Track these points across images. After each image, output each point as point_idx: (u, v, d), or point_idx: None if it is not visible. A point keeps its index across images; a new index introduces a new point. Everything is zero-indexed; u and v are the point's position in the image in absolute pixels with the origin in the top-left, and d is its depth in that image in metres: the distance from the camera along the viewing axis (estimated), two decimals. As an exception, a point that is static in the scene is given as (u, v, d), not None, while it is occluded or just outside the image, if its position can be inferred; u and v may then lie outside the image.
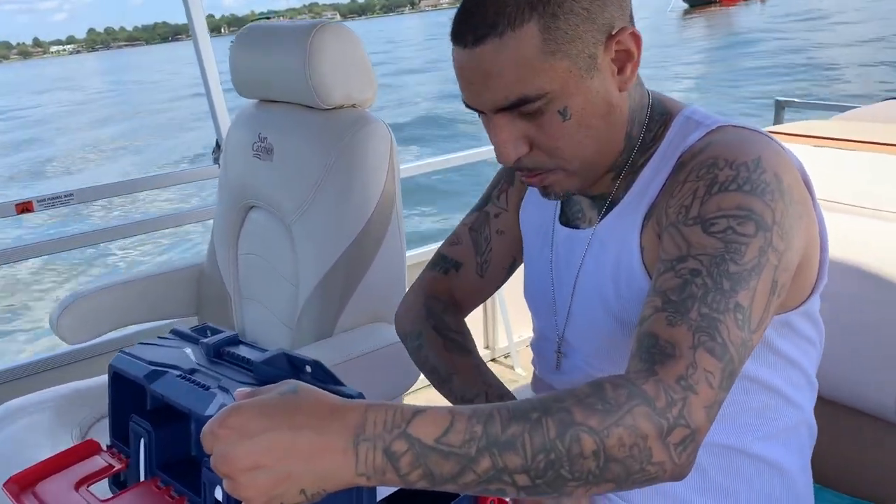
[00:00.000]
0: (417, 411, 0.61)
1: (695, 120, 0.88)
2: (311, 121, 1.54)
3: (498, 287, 1.12)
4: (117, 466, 0.80)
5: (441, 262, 1.12)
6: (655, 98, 0.91)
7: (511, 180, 1.10)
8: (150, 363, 0.78)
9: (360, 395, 0.65)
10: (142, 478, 0.79)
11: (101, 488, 0.78)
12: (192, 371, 0.75)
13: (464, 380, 0.99)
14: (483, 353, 2.83)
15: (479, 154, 2.64)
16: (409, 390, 2.50)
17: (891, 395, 1.12)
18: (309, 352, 1.42)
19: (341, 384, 0.68)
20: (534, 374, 1.07)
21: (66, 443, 1.45)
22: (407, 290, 1.57)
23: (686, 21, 35.02)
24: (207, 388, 0.70)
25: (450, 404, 0.99)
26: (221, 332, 0.81)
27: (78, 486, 0.77)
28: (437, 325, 1.05)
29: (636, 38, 0.81)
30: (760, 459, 0.90)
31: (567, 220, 0.99)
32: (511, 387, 1.02)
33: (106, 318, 1.81)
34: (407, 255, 1.61)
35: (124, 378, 0.80)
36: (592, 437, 0.62)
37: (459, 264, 1.11)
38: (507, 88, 0.78)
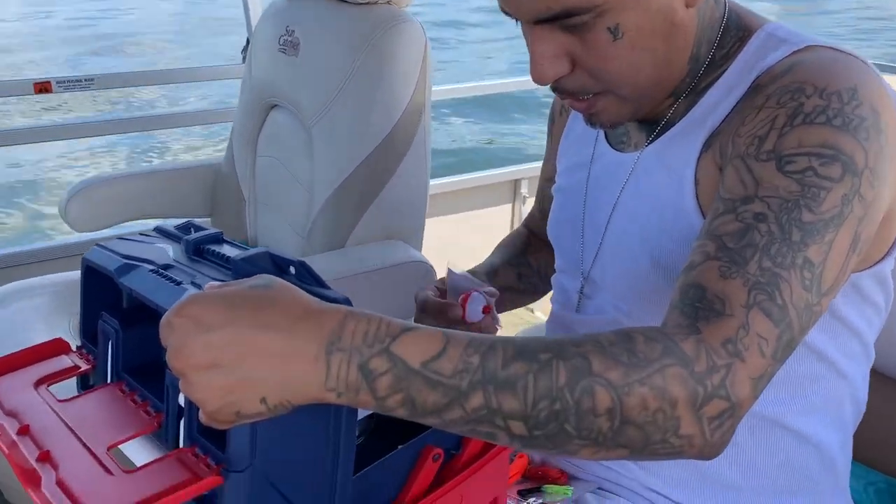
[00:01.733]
0: (407, 328, 0.53)
1: (778, 37, 0.75)
2: (342, 15, 1.43)
3: None
4: (83, 367, 0.74)
5: (538, 200, 1.11)
6: (733, 11, 0.79)
7: (553, 118, 1.02)
8: (125, 256, 0.71)
9: (346, 300, 0.57)
10: (108, 380, 0.72)
11: (66, 388, 0.72)
12: (167, 266, 0.68)
13: None
14: None
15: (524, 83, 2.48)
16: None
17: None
18: (318, 262, 1.35)
19: (326, 287, 0.60)
20: (552, 310, 0.98)
21: (61, 328, 1.41)
22: (427, 209, 1.49)
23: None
24: (179, 283, 0.63)
25: None
26: (205, 229, 0.73)
27: (38, 384, 0.71)
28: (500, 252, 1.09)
29: None
30: (798, 434, 0.81)
31: (610, 141, 0.88)
32: (524, 328, 0.95)
33: (116, 209, 1.75)
34: (431, 182, 1.51)
35: (97, 273, 0.73)
36: (609, 392, 0.53)
37: (533, 209, 1.11)
38: None
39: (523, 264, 1.06)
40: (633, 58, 0.71)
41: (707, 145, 0.75)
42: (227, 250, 0.68)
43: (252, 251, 0.62)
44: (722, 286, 0.60)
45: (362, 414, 0.70)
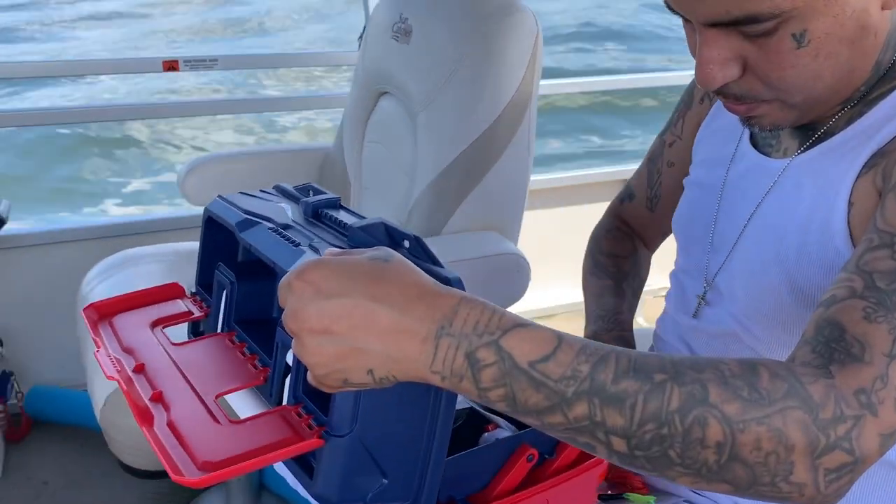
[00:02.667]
0: (520, 324, 0.52)
1: None
2: (454, 2, 1.45)
3: None
4: (197, 314, 0.79)
5: (624, 190, 1.08)
6: None
7: (690, 102, 0.96)
8: (245, 212, 0.74)
9: (458, 280, 0.57)
10: (219, 329, 0.76)
11: (176, 333, 0.76)
12: (286, 227, 0.70)
13: (590, 304, 0.97)
14: None
15: (648, 79, 2.39)
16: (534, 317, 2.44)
17: None
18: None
19: (440, 265, 0.60)
20: (665, 309, 0.94)
21: (173, 294, 1.49)
22: (526, 203, 1.49)
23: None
24: (297, 245, 0.65)
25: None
26: (324, 193, 0.75)
27: (154, 325, 0.76)
28: (593, 247, 1.06)
29: None
30: (892, 466, 0.76)
31: (755, 143, 0.82)
32: None
33: (230, 185, 1.83)
34: (532, 178, 1.51)
35: (217, 224, 0.77)
36: (723, 425, 0.51)
37: (633, 195, 1.06)
38: (731, 1, 0.61)
39: (636, 292, 1.04)
40: (815, 66, 0.64)
41: (869, 165, 0.68)
42: (344, 216, 0.70)
43: (368, 220, 0.64)
44: (864, 329, 0.55)
45: (463, 403, 0.70)
